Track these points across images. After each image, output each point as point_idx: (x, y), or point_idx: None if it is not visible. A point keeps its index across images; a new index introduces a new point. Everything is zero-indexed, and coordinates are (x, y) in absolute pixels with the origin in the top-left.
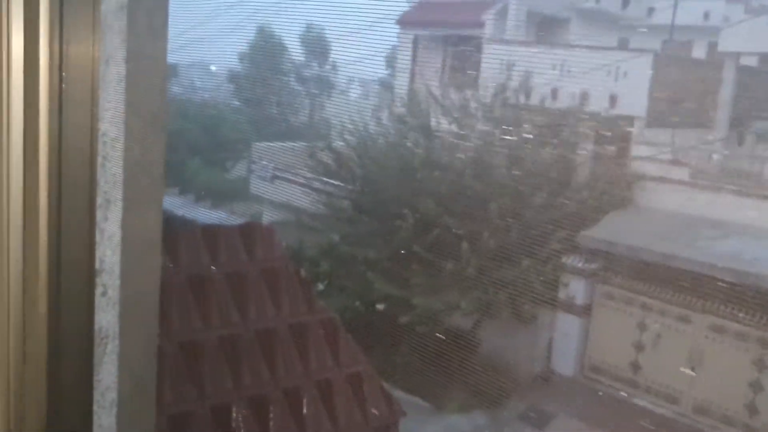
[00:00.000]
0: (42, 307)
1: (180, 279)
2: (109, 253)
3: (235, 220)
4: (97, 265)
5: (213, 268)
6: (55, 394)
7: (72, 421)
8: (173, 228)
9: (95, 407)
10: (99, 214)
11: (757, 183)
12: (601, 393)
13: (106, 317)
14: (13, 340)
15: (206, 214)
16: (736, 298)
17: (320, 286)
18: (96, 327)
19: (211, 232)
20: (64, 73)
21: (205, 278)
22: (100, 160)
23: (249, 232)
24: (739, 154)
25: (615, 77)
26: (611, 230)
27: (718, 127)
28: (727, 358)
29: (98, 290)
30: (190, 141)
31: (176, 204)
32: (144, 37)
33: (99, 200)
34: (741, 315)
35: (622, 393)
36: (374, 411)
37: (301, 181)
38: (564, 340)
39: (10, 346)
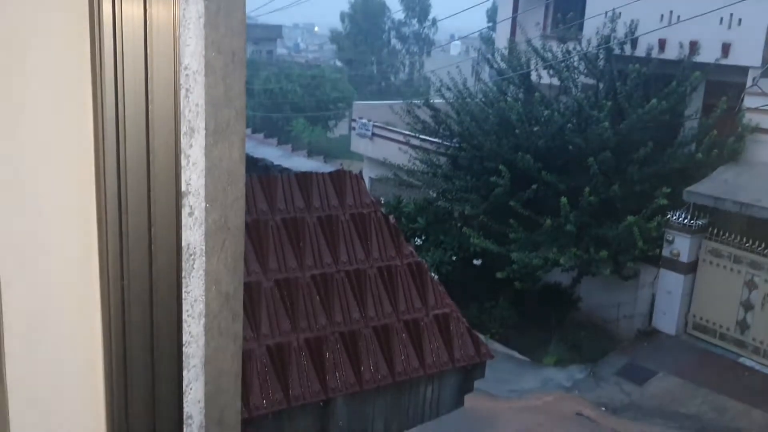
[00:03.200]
0: (136, 225)
1: (276, 220)
2: (194, 177)
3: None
4: (184, 187)
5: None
6: (149, 305)
7: (164, 328)
8: (270, 174)
9: (185, 316)
10: (184, 142)
11: None
12: (704, 351)
13: (193, 235)
14: (113, 255)
15: (302, 163)
16: None
17: (417, 241)
18: (184, 244)
19: (305, 178)
20: (147, 9)
21: (300, 221)
22: (183, 91)
23: (339, 179)
24: None
25: (728, 25)
26: (720, 185)
27: None
28: None
29: (185, 210)
30: (293, 100)
31: (275, 154)
32: None
33: (183, 128)
34: None
35: (728, 351)
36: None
37: (400, 138)
38: (667, 297)
39: (109, 261)
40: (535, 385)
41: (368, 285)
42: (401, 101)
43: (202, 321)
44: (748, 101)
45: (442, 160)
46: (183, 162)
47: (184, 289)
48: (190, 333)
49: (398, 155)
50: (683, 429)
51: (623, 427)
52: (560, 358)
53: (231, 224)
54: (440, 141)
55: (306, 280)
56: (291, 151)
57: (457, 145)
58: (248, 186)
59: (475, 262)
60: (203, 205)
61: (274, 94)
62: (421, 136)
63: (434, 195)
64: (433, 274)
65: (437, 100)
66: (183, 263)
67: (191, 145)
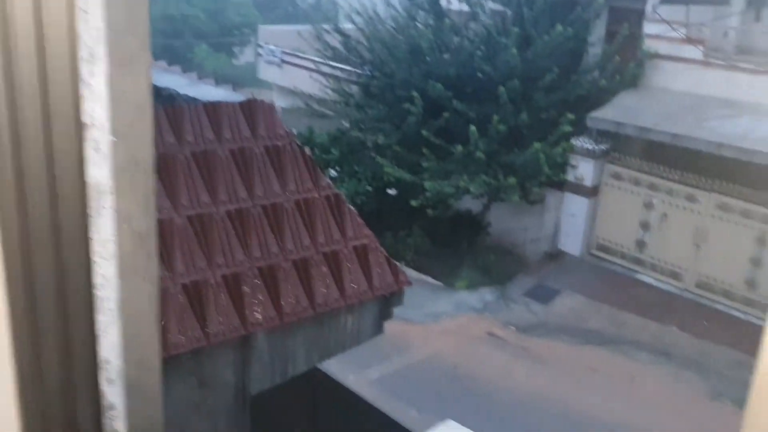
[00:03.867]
0: (35, 160)
1: (185, 154)
2: (98, 109)
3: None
4: (86, 119)
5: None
6: (54, 248)
7: (73, 271)
8: (176, 104)
9: (96, 258)
10: (84, 69)
11: None
12: (607, 270)
13: (100, 172)
14: (8, 193)
15: (210, 92)
16: (744, 177)
17: (332, 172)
18: (90, 181)
19: (213, 108)
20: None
21: (210, 154)
22: (80, 13)
23: (251, 109)
24: (755, 31)
25: None
26: (621, 111)
27: (735, 3)
28: (730, 235)
29: (89, 144)
30: (195, 26)
31: (180, 82)
32: None
33: (83, 54)
34: (747, 192)
35: (627, 269)
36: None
37: (311, 65)
38: (571, 220)
39: (5, 199)
40: (448, 308)
41: (286, 218)
42: (309, 26)
43: (115, 262)
44: (648, 28)
45: (354, 88)
46: (84, 91)
47: (93, 230)
48: (102, 275)
49: (309, 83)
50: (587, 343)
51: (531, 344)
52: (472, 281)
53: (140, 159)
54: (352, 69)
55: (220, 215)
56: (197, 79)
57: (368, 73)
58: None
59: (389, 191)
60: (110, 139)
61: (175, 20)
62: (332, 64)
63: (347, 125)
64: (349, 205)
65: (347, 26)
66: (90, 202)
67: (93, 74)
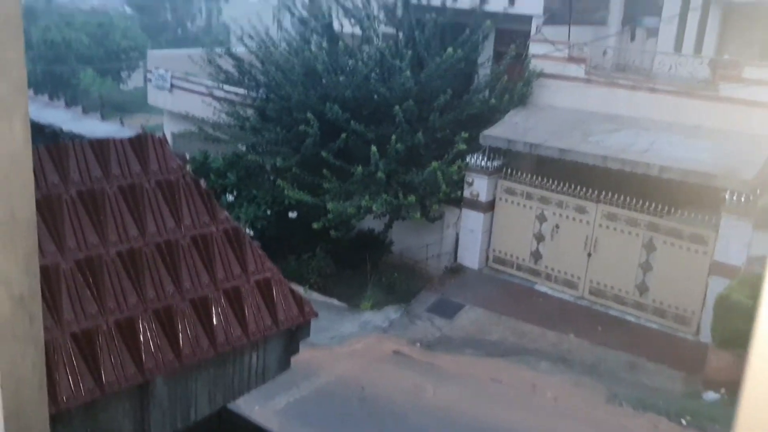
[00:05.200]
0: None
1: (71, 194)
2: None
3: (126, 133)
4: None
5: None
6: None
7: None
8: (60, 142)
9: None
10: None
11: (647, 77)
12: (505, 282)
13: None
14: None
15: (96, 127)
16: (628, 187)
17: (229, 197)
18: None
19: (100, 145)
20: None
21: (98, 192)
22: None
23: (141, 143)
24: (631, 49)
25: None
26: (511, 128)
27: (612, 23)
28: (620, 243)
29: None
30: (79, 51)
31: (64, 118)
32: None
33: None
34: (632, 202)
35: (524, 280)
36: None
37: (203, 89)
38: (469, 235)
39: None
40: (354, 329)
41: (182, 256)
42: (201, 50)
43: None
44: (534, 48)
45: (250, 112)
46: None
47: None
48: None
49: (202, 108)
50: (490, 355)
51: (437, 360)
52: (376, 301)
53: (20, 215)
54: (246, 92)
55: (111, 256)
56: (82, 114)
57: (264, 96)
58: (35, 157)
59: (290, 214)
60: None
61: (56, 45)
62: (226, 87)
63: (244, 149)
64: (248, 231)
65: (240, 49)
66: None
67: None
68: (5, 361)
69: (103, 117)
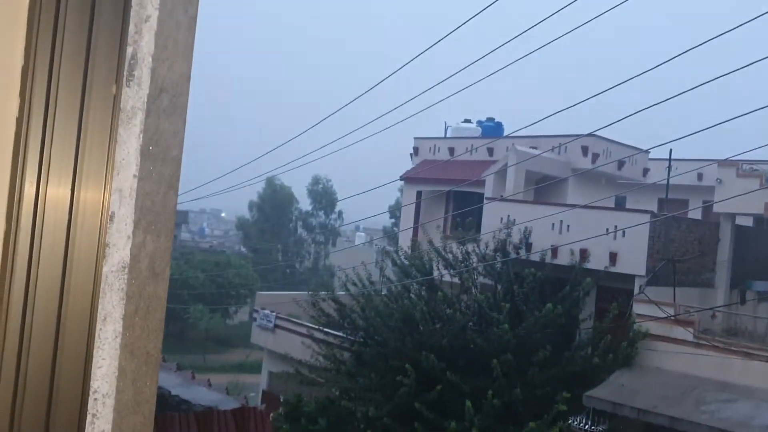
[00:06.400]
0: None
1: None
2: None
3: (230, 402)
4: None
5: None
6: None
7: None
8: (167, 411)
9: None
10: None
11: (762, 344)
12: None
13: None
14: None
15: (202, 395)
16: None
17: None
18: None
19: (204, 415)
20: (60, 325)
21: None
22: (89, 418)
23: (243, 416)
24: (741, 313)
25: (614, 236)
26: (617, 390)
27: (719, 285)
28: None
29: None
30: (194, 286)
31: (173, 382)
32: (144, 285)
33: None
34: None
35: None
36: None
37: (303, 331)
38: None
39: None
40: None
41: None
42: (306, 292)
43: None
44: (637, 308)
45: (346, 355)
46: None
47: None
48: None
49: (301, 349)
50: None
51: None
52: None
53: None
54: (344, 335)
55: None
56: (191, 379)
57: (361, 339)
58: None
59: None
60: None
61: (174, 282)
62: (325, 330)
63: (337, 393)
64: None
65: (342, 293)
66: None
67: None
68: None
69: (205, 357)
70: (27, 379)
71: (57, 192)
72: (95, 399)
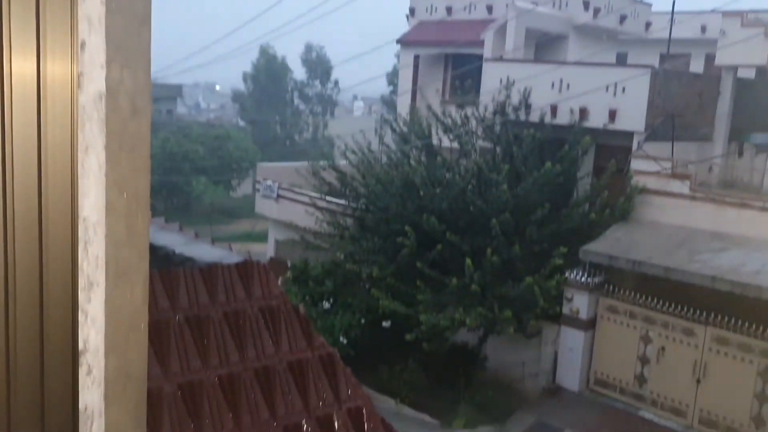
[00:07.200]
0: (25, 387)
1: (179, 319)
2: (92, 333)
3: (233, 258)
4: (81, 346)
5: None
6: None
7: None
8: (172, 268)
9: None
10: (81, 297)
11: (757, 194)
12: (607, 406)
13: (91, 395)
14: None
15: (206, 251)
16: (739, 310)
17: (326, 305)
18: (81, 406)
19: (209, 271)
20: (42, 158)
21: (204, 318)
22: (81, 244)
23: (246, 270)
24: (738, 165)
25: (613, 92)
26: (613, 244)
27: (717, 139)
28: (732, 369)
29: (83, 369)
30: (194, 161)
31: (177, 241)
32: (126, 121)
33: (81, 283)
34: (744, 326)
35: (628, 405)
36: None
37: (306, 200)
38: (569, 354)
39: None
40: None
41: (278, 381)
42: (306, 162)
43: None
44: (635, 164)
45: (349, 221)
46: (80, 319)
47: None
48: None
49: (304, 217)
50: None
51: None
52: (469, 419)
53: (133, 370)
54: (346, 203)
55: (211, 381)
56: (194, 238)
57: (363, 206)
58: (148, 282)
59: (384, 324)
60: (102, 363)
61: (174, 155)
62: (328, 198)
63: (342, 257)
64: (342, 338)
65: (342, 162)
66: (80, 427)
67: (90, 300)
68: None
69: (212, 227)
70: (14, 203)
71: (23, 24)
72: (86, 227)
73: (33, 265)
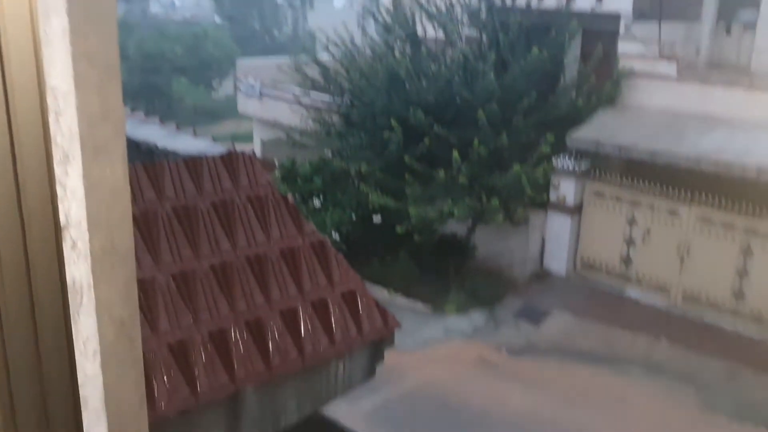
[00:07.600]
0: (12, 266)
1: (166, 210)
2: (74, 207)
3: (218, 149)
4: (63, 220)
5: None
6: (35, 345)
7: (55, 370)
8: (155, 158)
9: (78, 356)
10: (58, 170)
11: (745, 74)
12: (594, 288)
13: (78, 269)
14: None
15: (189, 144)
16: (723, 189)
17: (316, 202)
18: (69, 280)
19: (194, 163)
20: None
21: (192, 208)
22: (52, 115)
23: (231, 161)
24: (726, 46)
25: None
26: (600, 130)
27: (706, 18)
28: (714, 247)
29: (67, 244)
30: (173, 61)
31: (159, 134)
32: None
33: (57, 156)
34: (728, 205)
35: (614, 287)
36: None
37: (290, 97)
38: (556, 240)
39: None
40: (438, 334)
41: (271, 268)
42: (288, 57)
43: (98, 359)
44: (622, 47)
45: (335, 118)
46: (60, 192)
47: (74, 328)
48: (85, 374)
49: (290, 115)
50: (578, 362)
51: (523, 367)
52: (460, 305)
53: (119, 247)
54: (331, 98)
55: (204, 269)
56: (176, 130)
57: (348, 102)
58: (133, 174)
59: (374, 218)
60: (86, 237)
61: (152, 56)
62: (312, 95)
63: (329, 154)
64: (334, 234)
65: (325, 56)
66: (70, 300)
67: (67, 173)
68: (109, 382)
69: (195, 129)
70: None
71: None
72: (55, 96)
73: (2, 130)
